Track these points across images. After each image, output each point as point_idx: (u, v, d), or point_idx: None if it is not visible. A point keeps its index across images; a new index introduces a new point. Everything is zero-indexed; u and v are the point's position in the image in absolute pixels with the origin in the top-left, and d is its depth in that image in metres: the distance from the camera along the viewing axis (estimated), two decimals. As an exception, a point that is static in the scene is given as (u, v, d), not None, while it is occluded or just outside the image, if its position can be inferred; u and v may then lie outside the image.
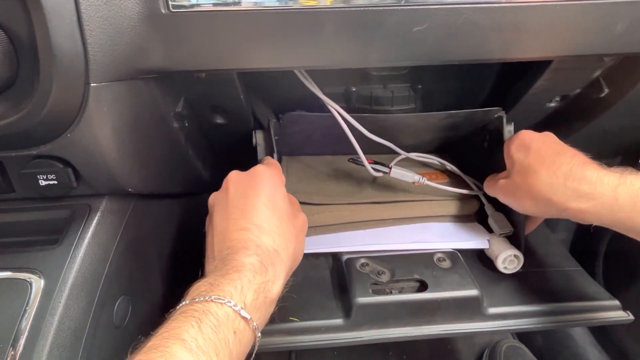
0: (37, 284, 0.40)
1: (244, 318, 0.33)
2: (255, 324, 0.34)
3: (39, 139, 0.39)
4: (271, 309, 0.37)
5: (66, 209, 0.46)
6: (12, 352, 0.36)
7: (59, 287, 0.40)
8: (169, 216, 0.59)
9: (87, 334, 0.41)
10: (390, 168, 0.57)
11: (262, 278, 0.35)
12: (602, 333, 0.82)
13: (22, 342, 0.37)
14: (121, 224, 0.48)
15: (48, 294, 0.40)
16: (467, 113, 0.55)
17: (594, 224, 0.44)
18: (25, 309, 0.39)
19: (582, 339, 0.84)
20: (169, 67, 0.39)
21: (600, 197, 0.41)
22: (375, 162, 0.57)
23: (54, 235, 0.44)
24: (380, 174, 0.57)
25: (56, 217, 0.46)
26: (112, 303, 0.45)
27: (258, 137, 0.55)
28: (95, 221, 0.45)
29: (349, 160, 0.58)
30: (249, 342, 0.34)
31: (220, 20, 0.36)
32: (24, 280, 0.41)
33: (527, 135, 0.50)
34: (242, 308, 0.33)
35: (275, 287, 0.37)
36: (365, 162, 0.56)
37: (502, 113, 0.57)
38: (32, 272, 0.41)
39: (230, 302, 0.32)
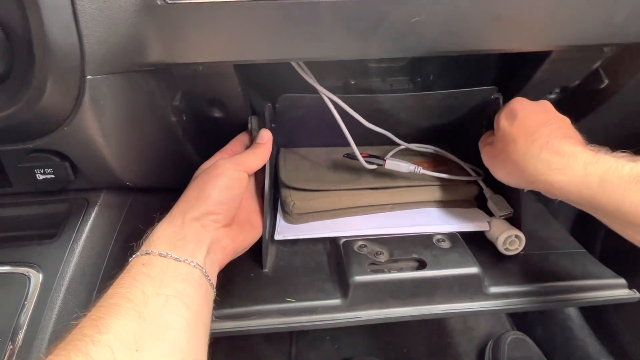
0: (36, 278, 0.40)
1: (145, 254, 0.38)
2: (157, 251, 0.38)
3: (35, 132, 0.39)
4: (174, 238, 0.40)
5: (64, 203, 0.46)
6: (11, 347, 0.37)
7: (57, 281, 0.40)
8: (167, 210, 0.59)
9: (86, 327, 0.41)
10: (385, 160, 0.57)
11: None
12: (601, 325, 0.83)
13: (20, 336, 0.37)
14: (119, 217, 0.48)
15: (46, 288, 0.40)
16: (464, 92, 0.55)
17: (560, 199, 0.43)
18: (23, 304, 0.39)
19: (581, 331, 0.84)
20: (165, 59, 0.39)
21: (571, 172, 0.41)
22: (370, 155, 0.57)
23: (52, 230, 0.45)
24: (374, 166, 0.57)
25: (54, 211, 0.46)
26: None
27: (253, 123, 0.55)
28: (93, 215, 0.45)
29: (344, 156, 0.58)
30: (163, 262, 0.37)
31: (216, 12, 0.36)
32: (23, 274, 0.41)
33: (517, 103, 0.50)
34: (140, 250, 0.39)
35: (163, 225, 0.42)
36: (358, 155, 0.55)
37: (499, 95, 0.56)
38: (31, 267, 0.41)
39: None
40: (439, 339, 0.94)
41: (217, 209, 0.43)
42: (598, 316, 0.83)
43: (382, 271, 0.50)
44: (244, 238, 0.48)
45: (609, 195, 0.38)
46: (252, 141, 0.54)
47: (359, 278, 0.48)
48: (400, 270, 0.50)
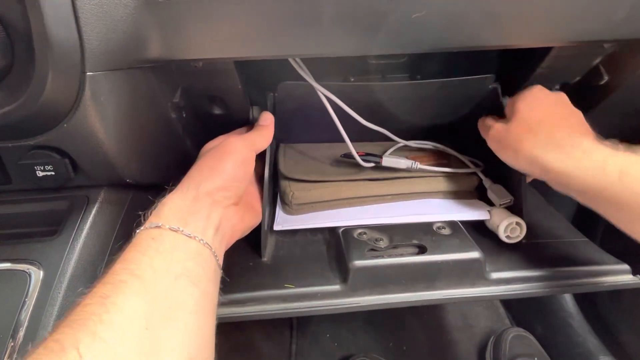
0: (36, 275, 0.41)
1: (154, 227, 0.37)
2: (167, 225, 0.37)
3: (35, 129, 0.39)
4: (186, 211, 0.40)
5: (64, 200, 0.46)
6: (12, 343, 0.37)
7: (58, 278, 0.40)
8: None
9: (87, 324, 0.41)
10: (382, 158, 0.57)
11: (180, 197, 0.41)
12: (600, 322, 0.83)
13: (21, 333, 0.37)
14: (120, 214, 0.48)
15: (47, 285, 0.40)
16: (461, 81, 0.54)
17: (574, 192, 0.44)
18: (24, 300, 0.39)
19: (581, 327, 0.85)
20: (165, 56, 0.39)
21: (589, 163, 0.42)
22: (367, 154, 0.57)
23: (53, 227, 0.45)
24: (372, 164, 0.57)
25: (54, 208, 0.46)
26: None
27: (255, 113, 0.55)
28: (93, 212, 0.45)
29: (341, 156, 0.58)
30: (173, 237, 0.37)
31: (215, 8, 0.36)
32: (23, 271, 0.41)
33: (539, 92, 0.51)
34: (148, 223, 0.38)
35: (176, 196, 0.41)
36: (355, 154, 0.56)
37: (496, 84, 0.56)
38: (31, 264, 0.41)
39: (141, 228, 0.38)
40: (439, 335, 0.94)
41: (230, 184, 0.44)
42: (597, 313, 0.84)
43: (381, 256, 0.50)
44: (249, 219, 0.48)
45: (627, 186, 0.39)
46: None
47: (359, 263, 0.48)
48: (401, 256, 0.50)
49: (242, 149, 0.46)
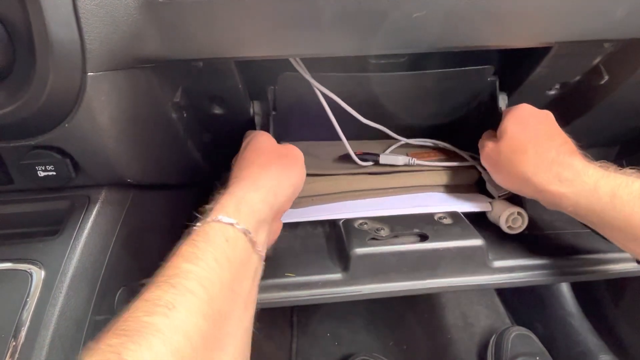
0: (38, 274, 0.40)
1: (229, 223, 0.36)
2: (242, 226, 0.36)
3: (37, 129, 0.39)
4: (261, 217, 0.39)
5: (65, 199, 0.46)
6: (14, 343, 0.37)
7: (59, 278, 0.40)
8: (168, 207, 0.59)
9: (88, 324, 0.41)
10: (379, 156, 0.57)
11: (241, 192, 0.40)
12: (600, 320, 0.83)
13: (23, 333, 0.37)
14: (121, 214, 0.48)
15: (49, 285, 0.40)
16: (460, 72, 0.54)
17: (567, 211, 0.45)
18: (26, 300, 0.39)
19: (582, 326, 0.85)
20: (166, 55, 0.39)
21: (582, 185, 0.42)
22: (364, 153, 0.57)
23: (54, 226, 0.44)
24: (369, 164, 0.57)
25: (55, 208, 0.46)
26: (113, 293, 0.45)
27: (256, 107, 0.55)
28: (94, 212, 0.45)
29: (340, 157, 0.58)
30: (244, 246, 0.36)
31: (215, 8, 0.36)
32: (25, 271, 0.41)
33: (527, 110, 0.51)
34: (225, 216, 0.36)
35: (257, 195, 0.40)
36: (352, 154, 0.56)
37: (495, 77, 0.56)
38: (33, 263, 0.41)
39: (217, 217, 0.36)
40: (440, 335, 0.94)
41: (295, 196, 0.45)
42: (598, 311, 0.84)
43: (383, 244, 0.49)
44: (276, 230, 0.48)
45: (618, 210, 0.40)
46: (260, 127, 0.55)
47: (359, 250, 0.48)
48: (402, 244, 0.50)
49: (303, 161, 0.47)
